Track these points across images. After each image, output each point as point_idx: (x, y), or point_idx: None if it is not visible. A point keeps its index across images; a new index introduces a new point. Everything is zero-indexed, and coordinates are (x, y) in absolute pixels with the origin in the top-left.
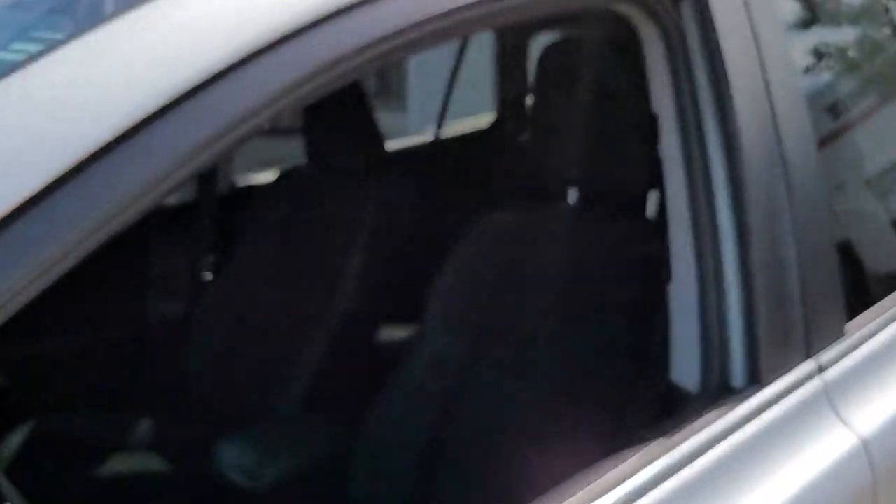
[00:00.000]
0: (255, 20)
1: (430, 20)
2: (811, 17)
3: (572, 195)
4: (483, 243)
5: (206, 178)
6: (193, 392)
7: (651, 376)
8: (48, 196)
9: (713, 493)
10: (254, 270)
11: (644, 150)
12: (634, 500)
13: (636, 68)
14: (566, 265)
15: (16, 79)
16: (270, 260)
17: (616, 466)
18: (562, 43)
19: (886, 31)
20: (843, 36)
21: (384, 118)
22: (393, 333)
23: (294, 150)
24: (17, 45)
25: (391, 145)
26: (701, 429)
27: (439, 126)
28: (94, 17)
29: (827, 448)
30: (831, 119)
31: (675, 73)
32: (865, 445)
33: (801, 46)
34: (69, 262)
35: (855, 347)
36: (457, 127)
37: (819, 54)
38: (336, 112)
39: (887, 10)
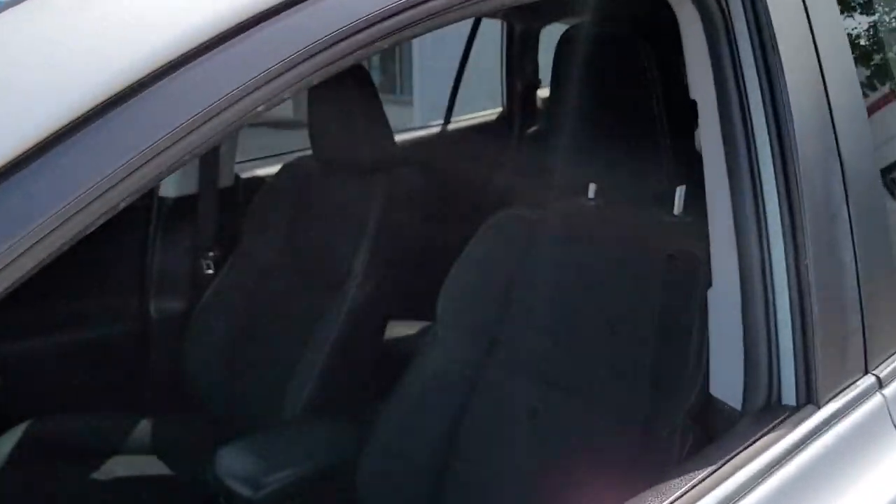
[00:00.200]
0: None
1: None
2: None
3: (592, 190)
4: (497, 242)
5: (207, 169)
6: (194, 392)
7: (683, 389)
8: None
9: None
10: (257, 266)
11: (671, 143)
12: None
13: (667, 53)
14: (586, 266)
15: None
16: (274, 255)
17: (660, 498)
18: (582, 27)
19: None
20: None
21: (390, 112)
22: (402, 331)
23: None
24: None
25: (397, 138)
26: (753, 457)
27: (447, 119)
28: None
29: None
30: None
31: (717, 56)
32: None
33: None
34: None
35: None
36: (464, 120)
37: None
38: (342, 105)
39: None
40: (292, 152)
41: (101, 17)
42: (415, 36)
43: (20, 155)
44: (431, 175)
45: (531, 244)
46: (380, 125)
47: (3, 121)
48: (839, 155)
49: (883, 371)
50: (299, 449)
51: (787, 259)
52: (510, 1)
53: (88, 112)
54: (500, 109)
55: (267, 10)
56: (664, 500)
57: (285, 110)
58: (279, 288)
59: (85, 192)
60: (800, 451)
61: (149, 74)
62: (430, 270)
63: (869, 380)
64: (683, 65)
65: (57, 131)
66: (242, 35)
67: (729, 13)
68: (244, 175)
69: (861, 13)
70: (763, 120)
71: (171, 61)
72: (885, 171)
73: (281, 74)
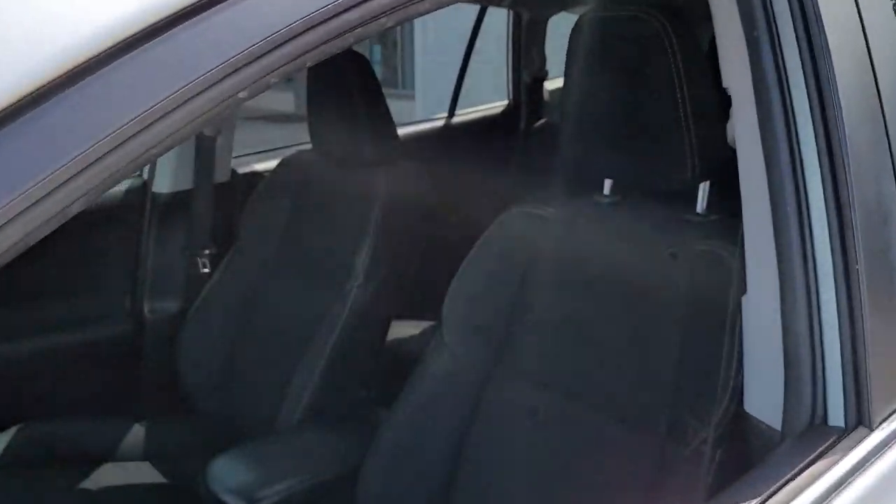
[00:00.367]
0: None
1: None
2: None
3: (607, 186)
4: (506, 242)
5: (203, 164)
6: (189, 396)
7: (710, 401)
8: None
9: None
10: (255, 264)
11: (696, 134)
12: None
13: (693, 35)
14: (602, 266)
15: None
16: (272, 253)
17: None
18: (598, 12)
19: None
20: None
21: (392, 106)
22: (406, 331)
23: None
24: None
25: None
26: (804, 487)
27: (451, 113)
28: None
29: None
30: None
31: (754, 40)
32: None
33: None
34: None
35: None
36: (469, 113)
37: None
38: (343, 97)
39: None
40: (291, 146)
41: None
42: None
43: None
44: (435, 170)
45: (542, 244)
46: (382, 118)
47: None
48: (890, 148)
49: None
50: (297, 459)
51: (834, 264)
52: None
53: None
54: (506, 103)
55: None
56: None
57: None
58: (277, 287)
59: None
60: (854, 480)
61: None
62: (434, 269)
63: None
64: (711, 47)
65: None
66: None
67: None
68: (241, 170)
69: None
70: (806, 108)
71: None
72: None
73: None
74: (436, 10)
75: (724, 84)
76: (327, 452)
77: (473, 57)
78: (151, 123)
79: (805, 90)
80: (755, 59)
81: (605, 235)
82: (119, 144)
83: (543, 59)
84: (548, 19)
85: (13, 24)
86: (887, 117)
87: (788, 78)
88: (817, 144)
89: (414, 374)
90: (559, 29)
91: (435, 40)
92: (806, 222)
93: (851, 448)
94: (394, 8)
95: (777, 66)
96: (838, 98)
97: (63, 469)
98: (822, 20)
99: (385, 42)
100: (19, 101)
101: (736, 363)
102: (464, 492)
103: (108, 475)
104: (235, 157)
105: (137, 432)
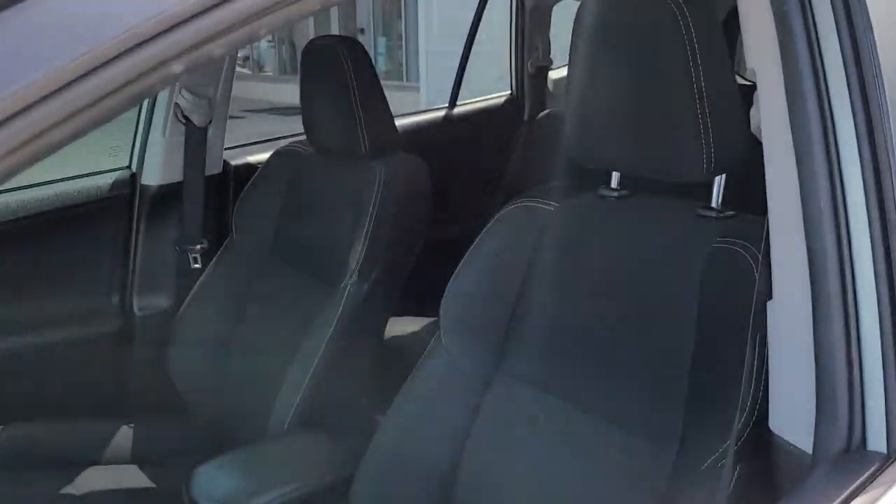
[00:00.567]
0: None
1: None
2: None
3: (615, 179)
4: (507, 239)
5: (193, 156)
6: (179, 397)
7: (729, 413)
8: None
9: None
10: (247, 260)
11: (712, 122)
12: None
13: (708, 15)
14: (609, 265)
15: None
16: (265, 249)
17: None
18: None
19: None
20: None
21: (397, 98)
22: (405, 328)
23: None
24: None
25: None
26: None
27: (452, 103)
28: None
29: None
30: None
31: (783, 14)
32: None
33: None
34: None
35: None
36: (470, 103)
37: None
38: (336, 87)
39: None
40: (284, 137)
41: None
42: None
43: None
44: (435, 162)
45: (546, 240)
46: (378, 108)
47: None
48: None
49: None
50: (286, 467)
51: (875, 266)
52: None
53: None
54: (508, 93)
55: None
56: None
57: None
58: (270, 284)
59: None
60: None
61: None
62: (433, 264)
63: None
64: (727, 23)
65: None
66: None
67: None
68: (234, 162)
69: None
70: (844, 90)
71: None
72: None
73: None
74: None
75: (749, 65)
76: (318, 460)
77: (478, 48)
78: None
79: (843, 70)
80: (784, 35)
81: (612, 232)
82: None
83: (548, 48)
84: (552, 6)
85: None
86: None
87: (823, 56)
88: (857, 132)
89: (410, 378)
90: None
91: (439, 32)
92: (843, 222)
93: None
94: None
95: (810, 43)
96: (881, 79)
97: (46, 472)
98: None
99: (390, 34)
100: None
101: (758, 374)
102: (461, 500)
103: (92, 479)
104: (228, 148)
105: (125, 434)
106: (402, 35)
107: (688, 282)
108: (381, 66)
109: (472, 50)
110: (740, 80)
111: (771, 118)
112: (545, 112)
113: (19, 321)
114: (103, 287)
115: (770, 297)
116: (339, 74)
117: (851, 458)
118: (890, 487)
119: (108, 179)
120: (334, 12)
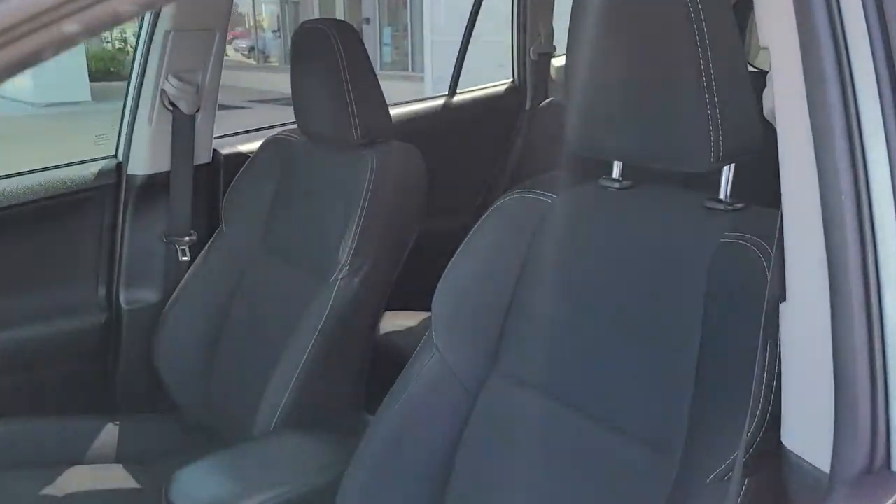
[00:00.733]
0: None
1: None
2: None
3: (616, 169)
4: (501, 232)
5: (182, 144)
6: (166, 393)
7: (736, 423)
8: None
9: None
10: (236, 252)
11: (720, 108)
12: None
13: None
14: (609, 260)
15: None
16: (255, 240)
17: None
18: None
19: None
20: None
21: (403, 88)
22: (402, 322)
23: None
24: None
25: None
26: None
27: (451, 91)
28: None
29: None
30: None
31: None
32: None
33: None
34: None
35: None
36: (470, 91)
37: None
38: (327, 73)
39: None
40: (276, 126)
41: None
42: None
43: None
44: (434, 151)
45: (543, 234)
46: (370, 94)
47: None
48: None
49: None
50: (271, 470)
51: None
52: None
53: None
54: (510, 81)
55: None
56: None
57: None
58: (260, 278)
59: None
60: None
61: None
62: (432, 257)
63: None
64: (741, 9)
65: None
66: None
67: None
68: (224, 151)
69: None
70: (870, 68)
71: None
72: None
73: None
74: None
75: (762, 42)
76: (305, 463)
77: (485, 37)
78: None
79: (868, 45)
80: (801, 5)
81: (613, 225)
82: None
83: (551, 34)
84: None
85: None
86: None
87: (846, 31)
88: (883, 115)
89: (400, 377)
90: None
91: (444, 21)
92: (866, 215)
93: None
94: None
95: (830, 15)
96: None
97: (27, 472)
98: None
99: (395, 24)
100: None
101: (769, 381)
102: None
103: (75, 478)
104: (218, 137)
105: (110, 432)
106: (407, 25)
107: (693, 279)
108: (386, 56)
109: (477, 39)
110: (750, 69)
111: (786, 100)
112: (548, 100)
113: (1, 314)
114: (89, 280)
115: (783, 297)
116: (330, 59)
117: (874, 480)
118: None
119: (93, 169)
120: (339, 2)
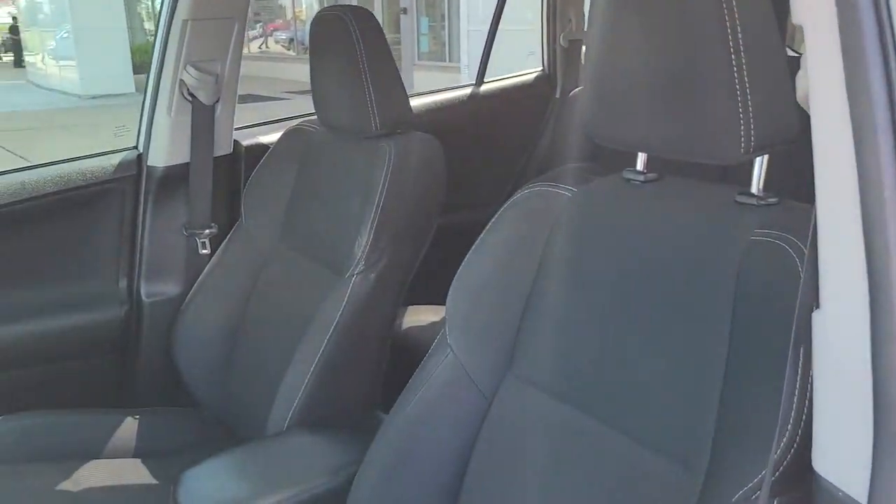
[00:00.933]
0: None
1: None
2: None
3: (640, 161)
4: (519, 227)
5: (201, 135)
6: (186, 388)
7: (764, 439)
8: None
9: None
10: (256, 246)
11: (750, 94)
12: None
13: None
14: (633, 257)
15: None
16: (275, 234)
17: None
18: None
19: None
20: None
21: (440, 78)
22: (425, 317)
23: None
24: None
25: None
26: None
27: (479, 81)
28: None
29: None
30: None
31: None
32: None
33: None
34: None
35: None
36: (498, 80)
37: None
38: (346, 62)
39: None
40: (296, 117)
41: None
42: None
43: None
44: (459, 142)
45: (561, 230)
46: (390, 83)
47: None
48: None
49: None
50: (282, 471)
51: None
52: None
53: None
54: (539, 69)
55: None
56: None
57: None
58: (278, 272)
59: None
60: None
61: None
62: (456, 251)
63: None
64: None
65: None
66: None
67: None
68: (245, 142)
69: None
70: None
71: None
72: None
73: None
74: None
75: (795, 19)
76: (317, 464)
77: (515, 25)
78: None
79: None
80: None
81: (636, 221)
82: None
83: (582, 20)
84: None
85: None
86: None
87: (891, 5)
88: None
89: (413, 376)
90: None
91: (481, 10)
92: None
93: None
94: None
95: None
96: None
97: (45, 466)
98: None
99: (433, 14)
100: None
101: (801, 394)
102: None
103: (93, 472)
104: (239, 128)
105: (129, 426)
106: (444, 14)
107: (721, 280)
108: (423, 46)
109: (506, 27)
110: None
111: (821, 85)
112: (579, 89)
113: (21, 307)
114: (110, 272)
115: (816, 304)
116: (348, 46)
117: None
118: None
119: (114, 160)
120: None
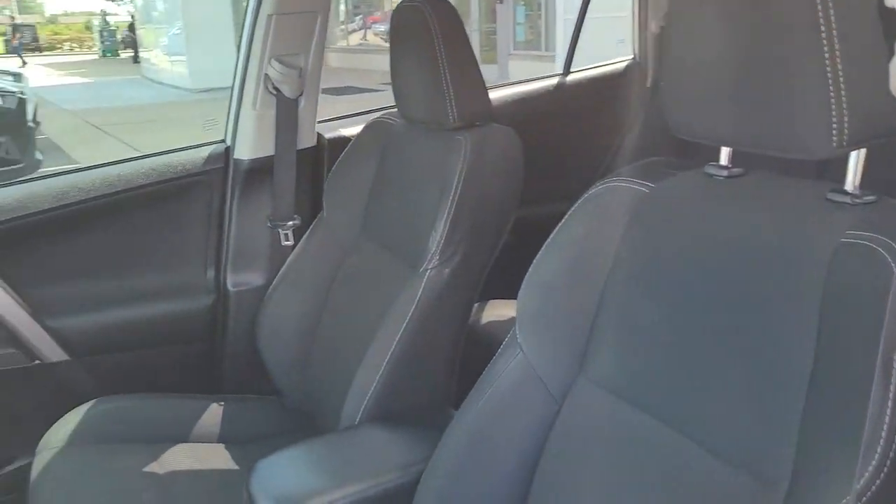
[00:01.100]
0: None
1: None
2: None
3: (725, 156)
4: (593, 223)
5: (285, 129)
6: (269, 377)
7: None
8: None
9: None
10: (336, 238)
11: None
12: None
13: None
14: (714, 258)
15: None
16: (355, 226)
17: None
18: None
19: None
20: None
21: (535, 68)
22: (505, 312)
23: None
24: None
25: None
26: None
27: (566, 70)
28: None
29: None
30: None
31: None
32: None
33: None
34: None
35: None
36: (586, 70)
37: None
38: (424, 52)
39: None
40: (377, 110)
41: None
42: None
43: None
44: (544, 134)
45: (637, 226)
46: (468, 75)
47: None
48: None
49: None
50: (353, 465)
51: None
52: None
53: None
54: (630, 57)
55: None
56: None
57: None
58: (358, 264)
59: None
60: None
61: None
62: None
63: None
64: None
65: None
66: None
67: None
68: (328, 135)
69: None
70: None
71: None
72: None
73: None
74: None
75: (889, 2)
76: (386, 460)
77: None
78: None
79: None
80: None
81: (719, 218)
82: None
83: None
84: None
85: None
86: None
87: None
88: None
89: (482, 376)
90: None
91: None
92: None
93: None
94: None
95: None
96: None
97: (133, 447)
98: None
99: (530, 3)
100: None
101: (892, 413)
102: None
103: (178, 455)
104: (322, 121)
105: (214, 412)
106: (541, 3)
107: (809, 285)
108: (520, 35)
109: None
110: None
111: None
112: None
113: (116, 294)
114: (198, 262)
115: None
116: (426, 38)
117: None
118: None
119: (203, 153)
120: None
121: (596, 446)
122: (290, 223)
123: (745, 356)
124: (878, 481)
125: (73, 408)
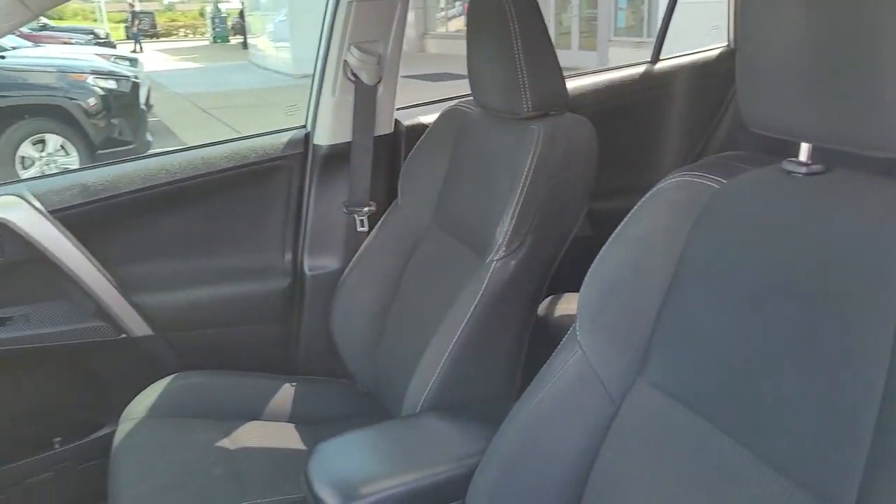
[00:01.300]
0: None
1: None
2: None
3: (804, 152)
4: (660, 220)
5: (363, 115)
6: (341, 360)
7: None
8: None
9: None
10: (409, 226)
11: None
12: None
13: None
14: (788, 258)
15: None
16: (427, 214)
17: None
18: None
19: None
20: None
21: (635, 55)
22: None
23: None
24: None
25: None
26: None
27: (654, 58)
28: None
29: None
30: None
31: None
32: None
33: None
34: None
35: None
36: (677, 57)
37: None
38: (499, 40)
39: None
40: (455, 98)
41: None
42: None
43: None
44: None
45: (705, 224)
46: (544, 64)
47: None
48: None
49: None
50: (409, 454)
51: None
52: None
53: None
54: (724, 45)
55: None
56: None
57: None
58: (429, 253)
59: None
60: None
61: None
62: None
63: None
64: None
65: None
66: None
67: None
68: (406, 122)
69: None
70: None
71: None
72: None
73: None
74: None
75: None
76: (443, 450)
77: None
78: None
79: None
80: None
81: (795, 217)
82: None
83: None
84: None
85: None
86: None
87: None
88: None
89: (541, 373)
90: None
91: None
92: None
93: None
94: None
95: None
96: None
97: (207, 422)
98: None
99: None
100: None
101: None
102: None
103: (249, 433)
104: (401, 108)
105: (286, 392)
106: None
107: (886, 292)
108: (621, 21)
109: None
110: None
111: None
112: None
113: (198, 273)
114: (277, 244)
115: None
116: (502, 26)
117: None
118: None
119: (283, 139)
120: None
121: (653, 451)
122: (366, 209)
123: (815, 367)
124: None
125: (155, 381)
